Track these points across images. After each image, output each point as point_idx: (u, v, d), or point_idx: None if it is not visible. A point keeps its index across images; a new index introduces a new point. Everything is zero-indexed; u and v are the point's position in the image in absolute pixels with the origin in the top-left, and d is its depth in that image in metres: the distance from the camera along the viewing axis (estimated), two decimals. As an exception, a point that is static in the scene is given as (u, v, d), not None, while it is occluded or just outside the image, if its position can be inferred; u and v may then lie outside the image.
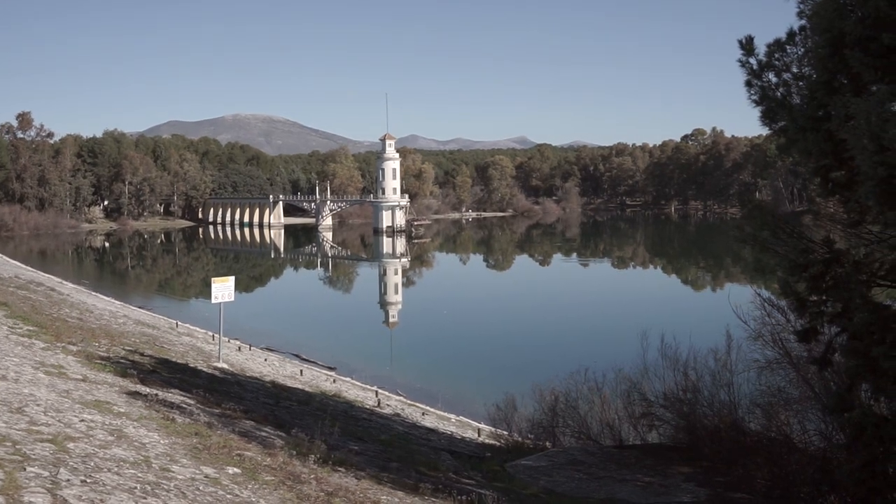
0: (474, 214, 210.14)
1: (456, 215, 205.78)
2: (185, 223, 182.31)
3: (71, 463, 7.26)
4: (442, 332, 51.59)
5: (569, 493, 12.66)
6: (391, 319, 61.34)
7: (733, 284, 64.98)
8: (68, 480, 6.65)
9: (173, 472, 7.76)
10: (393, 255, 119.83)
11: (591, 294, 72.99)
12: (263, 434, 11.17)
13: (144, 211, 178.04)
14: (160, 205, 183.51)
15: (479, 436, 22.68)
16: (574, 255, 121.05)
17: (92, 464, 7.38)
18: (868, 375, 9.46)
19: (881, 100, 8.21)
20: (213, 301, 26.28)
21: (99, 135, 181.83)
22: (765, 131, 11.81)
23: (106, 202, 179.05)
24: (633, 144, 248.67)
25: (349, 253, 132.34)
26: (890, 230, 9.45)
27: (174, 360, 22.54)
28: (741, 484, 13.11)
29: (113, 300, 53.75)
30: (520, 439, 18.42)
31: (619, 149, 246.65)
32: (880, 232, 10.10)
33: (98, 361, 16.22)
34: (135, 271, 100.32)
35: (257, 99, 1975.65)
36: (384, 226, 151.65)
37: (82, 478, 6.81)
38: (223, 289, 26.19)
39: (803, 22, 10.55)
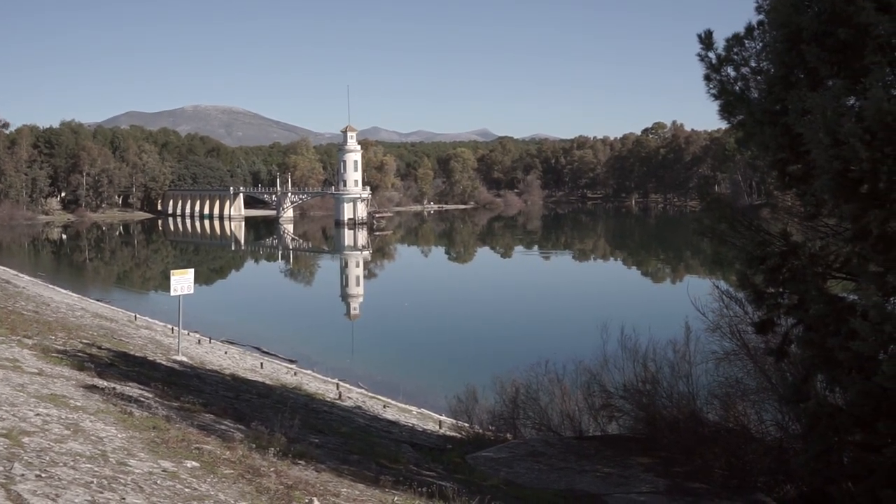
0: (436, 207, 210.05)
1: (418, 208, 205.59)
2: (144, 215, 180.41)
3: (26, 457, 7.16)
4: (403, 324, 51.58)
5: (529, 485, 12.71)
6: (353, 312, 61.25)
7: (692, 277, 65.66)
8: (23, 475, 6.56)
9: (130, 466, 7.68)
10: (354, 248, 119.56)
11: (552, 286, 73.31)
12: (223, 427, 11.09)
13: (103, 203, 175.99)
14: (119, 196, 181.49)
15: (440, 428, 22.71)
16: (535, 247, 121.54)
17: (47, 458, 7.29)
18: (823, 366, 9.60)
19: (837, 94, 8.32)
20: (173, 293, 26.03)
21: (56, 125, 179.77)
22: (724, 125, 11.93)
23: (63, 194, 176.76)
24: (595, 137, 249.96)
25: (310, 245, 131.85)
26: (845, 223, 9.58)
27: (132, 353, 22.32)
28: (699, 474, 13.24)
29: (70, 293, 53.14)
30: (481, 431, 18.45)
31: (580, 142, 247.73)
32: (836, 225, 10.24)
33: (54, 355, 16.01)
34: (93, 264, 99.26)
35: (218, 90, 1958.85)
36: (345, 218, 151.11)
37: (37, 472, 6.72)
38: (182, 281, 25.94)
39: (761, 17, 10.65)
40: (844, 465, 10.15)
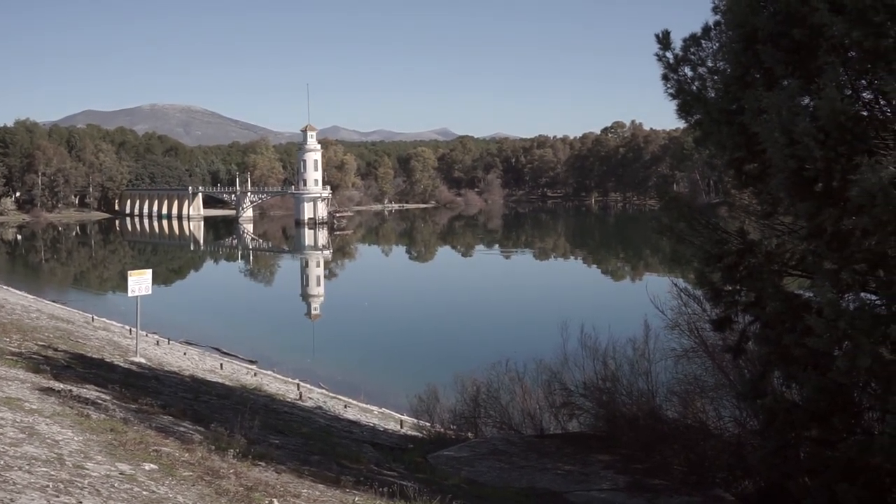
0: (397, 206, 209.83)
1: (378, 207, 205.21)
2: (102, 215, 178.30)
3: (-21, 462, 7.06)
4: (364, 324, 51.44)
5: (490, 483, 12.74)
6: (313, 312, 61.01)
7: (651, 275, 66.06)
8: (-23, 480, 6.46)
9: (87, 469, 7.59)
10: (315, 247, 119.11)
11: (513, 285, 73.48)
12: (182, 429, 11.00)
13: (59, 203, 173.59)
14: (75, 196, 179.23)
15: (401, 427, 22.70)
16: (496, 246, 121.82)
17: (2, 462, 7.18)
18: (779, 363, 9.71)
19: (792, 94, 8.41)
20: (130, 294, 25.73)
21: (10, 124, 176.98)
22: (682, 124, 12.03)
23: (18, 194, 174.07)
24: (554, 137, 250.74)
25: (270, 245, 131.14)
26: (800, 221, 9.70)
27: (90, 354, 22.05)
28: (659, 470, 13.36)
29: (25, 294, 52.34)
30: (442, 430, 18.46)
31: (540, 141, 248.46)
32: (791, 223, 10.36)
33: (9, 357, 15.77)
34: (49, 264, 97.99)
35: (175, 89, 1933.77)
36: (306, 217, 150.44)
37: (-8, 477, 6.62)
38: (140, 282, 25.65)
39: (718, 17, 10.76)
40: (801, 460, 10.28)
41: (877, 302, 8.43)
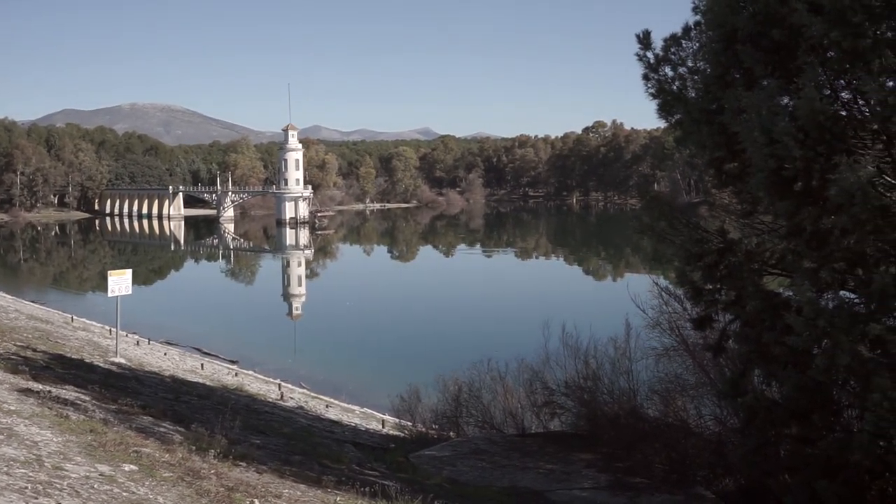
0: (378, 205, 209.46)
1: (360, 206, 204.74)
2: (81, 215, 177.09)
3: (-43, 464, 7.00)
4: (346, 323, 51.36)
5: (472, 483, 12.75)
6: (295, 312, 60.88)
7: (632, 274, 66.21)
8: (-46, 482, 6.41)
9: (67, 470, 7.54)
10: (296, 247, 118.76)
11: (495, 285, 73.55)
12: (162, 430, 10.95)
13: (38, 202, 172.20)
14: (54, 196, 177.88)
15: (383, 427, 22.68)
16: (478, 245, 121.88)
17: (-20, 464, 7.13)
18: (760, 361, 9.75)
19: (771, 94, 8.45)
20: (110, 294, 25.62)
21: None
22: (662, 124, 12.08)
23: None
24: (536, 136, 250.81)
25: (251, 245, 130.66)
26: (780, 220, 9.74)
27: (69, 355, 21.93)
28: (640, 469, 13.39)
29: (4, 294, 51.92)
30: (424, 430, 18.46)
31: (521, 140, 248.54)
32: (771, 222, 10.41)
33: (-12, 358, 15.66)
34: (27, 264, 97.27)
35: (155, 88, 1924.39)
36: (287, 217, 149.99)
37: (-31, 479, 6.57)
38: (120, 282, 25.54)
39: (698, 17, 10.80)
40: (781, 457, 10.33)
41: (855, 300, 8.48)
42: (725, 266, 10.27)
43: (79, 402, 12.11)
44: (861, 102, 8.50)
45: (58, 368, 17.23)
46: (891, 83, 7.76)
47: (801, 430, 9.40)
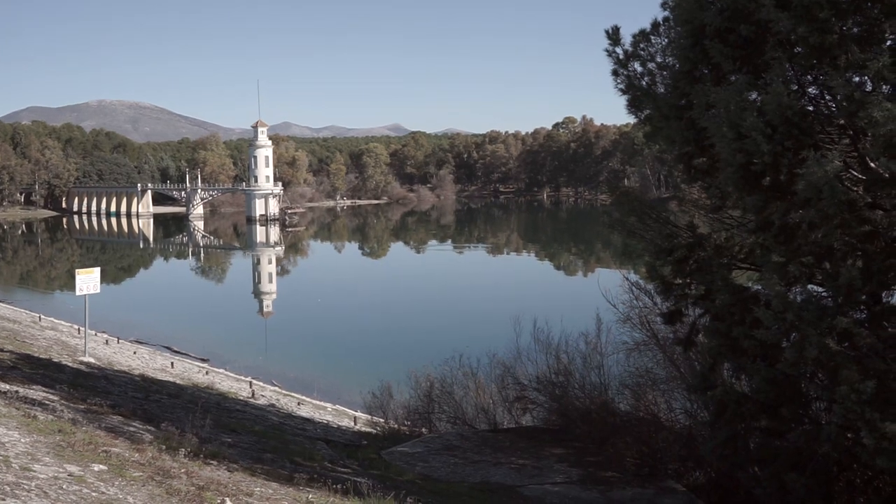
0: (349, 202, 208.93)
1: (330, 203, 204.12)
2: (48, 213, 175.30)
3: (-77, 466, 6.90)
4: (317, 320, 51.22)
5: (444, 478, 12.75)
6: (265, 309, 60.59)
7: (603, 269, 66.43)
8: (-80, 484, 6.32)
9: (35, 471, 7.45)
10: (267, 244, 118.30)
11: (466, 281, 73.56)
12: (132, 429, 10.86)
13: (3, 200, 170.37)
14: (21, 194, 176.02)
15: (355, 424, 22.64)
16: (449, 242, 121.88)
17: (-54, 466, 7.04)
18: (729, 355, 9.83)
19: (739, 89, 8.51)
20: (78, 293, 25.38)
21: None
22: (632, 119, 12.13)
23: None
24: (506, 132, 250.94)
25: (221, 242, 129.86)
26: (748, 215, 9.82)
27: (37, 355, 21.70)
28: (612, 463, 13.46)
29: (-30, 294, 51.37)
30: (396, 426, 18.45)
31: (492, 136, 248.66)
32: (740, 216, 10.50)
33: (-47, 358, 15.47)
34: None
35: (123, 84, 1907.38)
36: (257, 214, 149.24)
37: (-65, 481, 6.48)
38: (88, 280, 25.31)
39: (667, 13, 10.85)
40: (751, 450, 10.42)
41: (823, 294, 8.56)
42: (695, 260, 10.35)
43: (47, 402, 11.98)
44: (828, 98, 8.59)
45: (25, 368, 17.05)
46: (857, 79, 7.84)
47: (771, 422, 9.48)
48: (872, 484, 9.92)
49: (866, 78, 7.76)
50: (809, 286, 8.76)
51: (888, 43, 7.88)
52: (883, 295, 8.70)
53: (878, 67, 7.34)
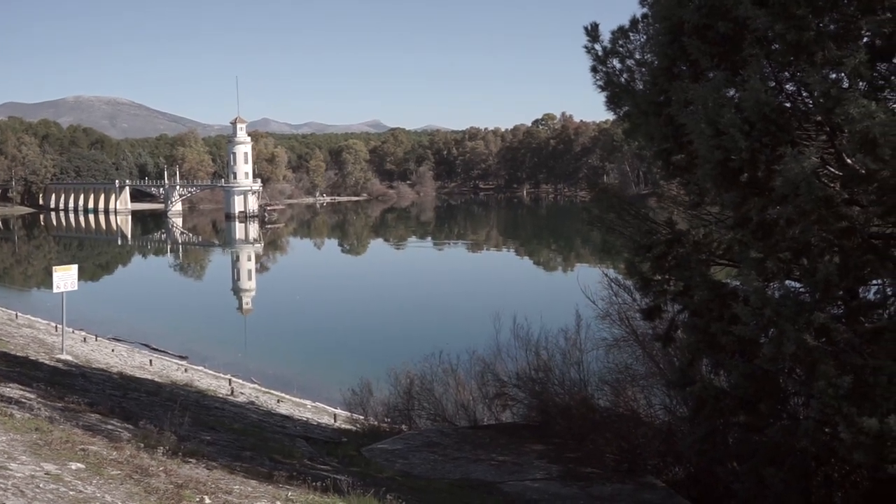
0: (329, 199, 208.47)
1: (310, 200, 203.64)
2: (25, 210, 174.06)
3: None
4: (297, 318, 51.09)
5: (424, 475, 12.75)
6: (245, 306, 60.41)
7: (583, 265, 66.53)
8: None
9: (11, 469, 7.39)
10: (246, 241, 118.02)
11: (446, 277, 73.63)
12: (109, 427, 10.79)
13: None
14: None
15: (335, 421, 22.61)
16: (429, 238, 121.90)
17: (-79, 465, 6.96)
18: (707, 350, 9.87)
19: (717, 86, 8.54)
20: (56, 290, 25.22)
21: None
22: (611, 116, 12.15)
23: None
24: (486, 129, 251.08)
25: (200, 239, 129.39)
26: (726, 211, 9.86)
27: (13, 352, 21.54)
28: (591, 459, 13.49)
29: (-55, 292, 50.94)
30: (376, 423, 18.42)
31: (471, 133, 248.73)
32: (718, 213, 10.54)
33: (-72, 357, 15.33)
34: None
35: (101, 80, 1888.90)
36: (236, 211, 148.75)
37: None
38: (66, 277, 25.14)
39: (646, 10, 10.88)
40: (729, 445, 10.47)
41: (801, 290, 8.61)
42: (674, 257, 10.37)
43: (23, 400, 11.88)
44: (805, 94, 8.63)
45: (1, 366, 16.91)
46: (834, 75, 7.88)
47: (749, 418, 9.53)
48: (850, 478, 9.99)
49: (843, 75, 7.79)
50: (787, 282, 8.81)
51: (864, 40, 7.93)
52: (859, 290, 8.75)
53: (855, 64, 7.38)
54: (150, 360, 31.92)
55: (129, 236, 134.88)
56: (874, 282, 8.66)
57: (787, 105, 8.65)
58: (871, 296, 8.70)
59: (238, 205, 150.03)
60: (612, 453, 13.63)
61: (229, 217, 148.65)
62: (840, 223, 8.12)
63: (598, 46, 11.45)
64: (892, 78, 7.94)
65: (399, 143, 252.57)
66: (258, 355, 38.38)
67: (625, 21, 11.24)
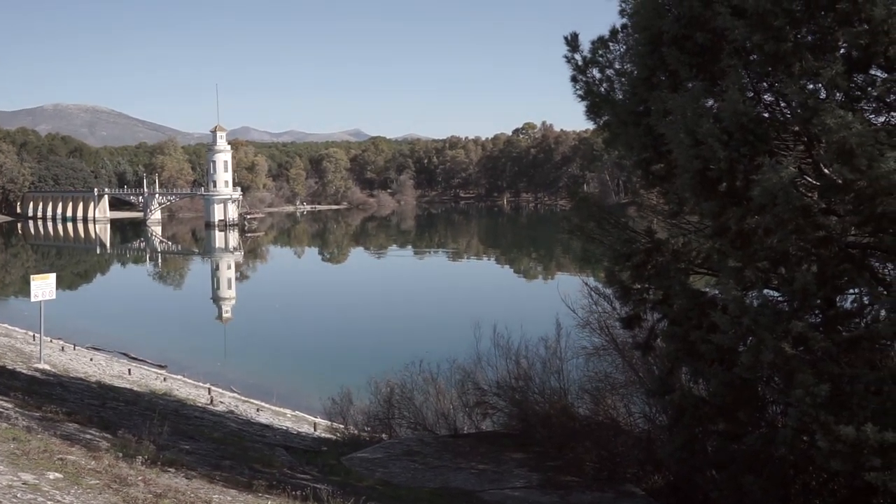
0: (309, 207, 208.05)
1: (290, 208, 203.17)
2: (3, 218, 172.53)
3: None
4: (277, 326, 50.93)
5: (404, 484, 12.73)
6: (224, 315, 60.15)
7: (563, 274, 66.70)
8: None
9: (-12, 480, 7.34)
10: (226, 250, 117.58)
11: (426, 286, 73.67)
12: (88, 436, 10.73)
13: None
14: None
15: (315, 430, 22.55)
16: (409, 247, 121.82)
17: None
18: (687, 359, 9.91)
19: (696, 96, 8.60)
20: (33, 299, 25.07)
21: None
22: (591, 125, 12.21)
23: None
24: (466, 138, 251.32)
25: (180, 247, 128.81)
26: (705, 220, 9.91)
27: (-10, 362, 21.37)
28: (571, 467, 13.51)
29: (-79, 301, 50.49)
30: (356, 432, 18.38)
31: (452, 142, 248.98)
32: (697, 222, 10.59)
33: None
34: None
35: (80, 88, 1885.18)
36: (216, 219, 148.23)
37: None
38: (43, 286, 25.01)
39: (625, 20, 10.94)
40: (709, 453, 10.51)
41: (779, 298, 8.66)
42: (653, 265, 10.42)
43: (1, 409, 11.79)
44: (783, 104, 8.70)
45: (-22, 376, 16.77)
46: (811, 86, 7.95)
47: (728, 426, 9.57)
48: (828, 486, 10.04)
49: (820, 85, 7.86)
50: (765, 291, 8.86)
51: (841, 51, 8.00)
52: (837, 299, 8.81)
53: (832, 75, 7.44)
54: (129, 370, 31.75)
55: (108, 245, 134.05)
56: (851, 291, 8.72)
57: (766, 115, 8.72)
58: (848, 305, 8.76)
59: (218, 213, 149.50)
60: (591, 462, 13.64)
61: (209, 226, 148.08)
62: (818, 233, 8.18)
63: (578, 56, 11.52)
64: (869, 89, 8.00)
65: (380, 152, 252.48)
66: (238, 364, 38.24)
67: (604, 31, 11.32)
